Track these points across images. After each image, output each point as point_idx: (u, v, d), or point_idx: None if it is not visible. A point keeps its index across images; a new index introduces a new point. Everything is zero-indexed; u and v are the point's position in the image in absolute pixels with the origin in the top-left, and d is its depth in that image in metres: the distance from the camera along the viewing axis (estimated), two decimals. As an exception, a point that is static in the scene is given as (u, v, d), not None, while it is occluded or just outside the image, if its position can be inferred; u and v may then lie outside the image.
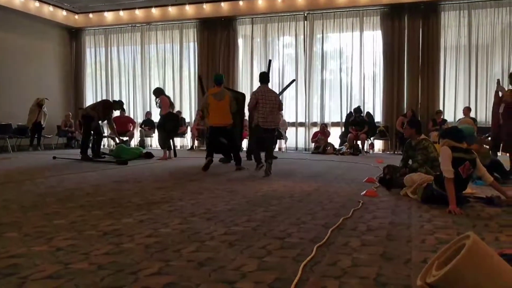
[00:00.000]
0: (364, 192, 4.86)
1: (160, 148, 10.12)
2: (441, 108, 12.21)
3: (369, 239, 2.88)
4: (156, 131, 11.34)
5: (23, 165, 8.45)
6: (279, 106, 7.21)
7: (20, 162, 9.27)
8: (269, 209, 3.90)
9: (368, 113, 12.40)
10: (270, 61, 10.03)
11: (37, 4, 13.60)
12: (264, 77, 7.21)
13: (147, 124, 13.99)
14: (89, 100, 15.32)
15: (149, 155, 10.04)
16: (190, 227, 3.20)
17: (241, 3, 13.41)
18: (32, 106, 12.81)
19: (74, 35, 15.78)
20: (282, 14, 13.55)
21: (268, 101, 6.95)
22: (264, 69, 13.60)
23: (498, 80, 7.24)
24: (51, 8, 14.17)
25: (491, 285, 1.24)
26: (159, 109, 9.80)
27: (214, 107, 7.46)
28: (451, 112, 12.34)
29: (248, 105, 7.14)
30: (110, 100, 11.71)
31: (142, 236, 2.92)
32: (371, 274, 2.18)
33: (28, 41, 13.88)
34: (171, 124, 9.71)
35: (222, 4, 13.59)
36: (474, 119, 11.28)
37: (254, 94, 7.02)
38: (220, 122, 7.51)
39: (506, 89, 6.90)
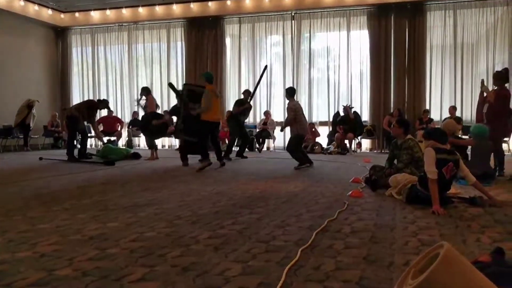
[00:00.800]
0: (350, 192, 4.90)
1: (147, 148, 10.07)
2: (427, 107, 12.33)
3: (353, 242, 2.91)
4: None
5: (8, 167, 8.37)
6: None
7: (6, 163, 9.17)
8: (254, 211, 3.92)
9: (355, 112, 12.47)
10: (266, 67, 10.22)
11: (22, 3, 13.44)
12: (293, 92, 8.25)
13: (135, 124, 13.92)
14: (76, 99, 15.19)
15: (136, 156, 10.01)
16: (175, 230, 3.21)
17: (228, 2, 13.40)
18: (21, 106, 12.65)
19: (60, 34, 15.63)
20: (270, 14, 13.56)
21: (301, 112, 8.02)
22: (251, 69, 13.70)
23: (482, 80, 7.33)
24: (36, 7, 14.01)
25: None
26: (141, 109, 9.80)
27: (214, 103, 7.85)
28: (437, 111, 12.46)
29: (289, 119, 7.93)
30: (95, 99, 11.60)
31: (127, 241, 2.92)
32: (354, 278, 2.21)
33: (13, 40, 13.72)
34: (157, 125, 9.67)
35: (210, 3, 13.56)
36: (460, 118, 11.42)
37: (292, 108, 7.85)
38: (219, 118, 8.17)
39: (490, 89, 6.99)
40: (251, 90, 10.74)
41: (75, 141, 10.06)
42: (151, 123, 9.50)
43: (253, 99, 13.61)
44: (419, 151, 5.42)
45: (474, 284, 1.28)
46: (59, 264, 2.42)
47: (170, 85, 9.48)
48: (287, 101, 8.19)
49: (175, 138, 8.79)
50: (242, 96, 10.67)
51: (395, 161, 5.65)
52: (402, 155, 5.42)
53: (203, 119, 7.74)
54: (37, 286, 2.09)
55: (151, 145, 9.78)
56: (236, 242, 2.90)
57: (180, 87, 14.29)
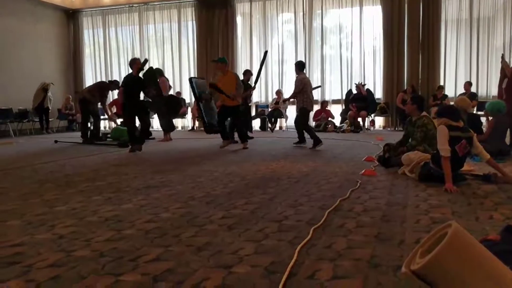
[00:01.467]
0: (363, 171, 4.90)
1: (162, 130, 10.12)
2: (441, 83, 12.16)
3: (364, 220, 2.93)
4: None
5: (24, 150, 8.51)
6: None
7: (21, 147, 9.33)
8: (267, 191, 3.95)
9: (368, 89, 12.35)
10: (266, 52, 9.97)
11: (33, -15, 13.46)
12: (303, 66, 8.18)
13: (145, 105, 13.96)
14: (89, 81, 15.29)
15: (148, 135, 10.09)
16: (189, 211, 3.26)
17: (238, -20, 13.24)
18: (37, 90, 12.95)
19: (71, 16, 15.64)
20: (281, -9, 13.38)
21: (310, 87, 7.99)
22: (263, 47, 13.57)
23: (503, 55, 7.17)
24: (47, -10, 14.02)
25: (473, 273, 1.28)
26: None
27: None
28: (451, 87, 12.29)
29: (295, 90, 7.92)
30: (106, 81, 11.67)
31: (142, 222, 2.97)
32: (365, 256, 2.23)
33: (25, 24, 13.77)
34: (171, 106, 9.71)
35: (220, -19, 13.43)
36: (475, 94, 11.26)
37: (302, 81, 7.85)
38: (235, 103, 7.95)
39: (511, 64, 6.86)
40: (252, 71, 10.53)
41: (88, 124, 10.16)
42: (166, 107, 9.57)
43: (263, 78, 13.63)
44: (433, 129, 5.36)
45: (482, 263, 1.29)
46: (76, 245, 2.49)
47: (190, 81, 9.23)
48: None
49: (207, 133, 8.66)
50: (242, 78, 10.08)
51: (410, 139, 5.61)
52: (416, 132, 5.37)
53: (225, 104, 7.78)
54: (56, 267, 2.15)
55: (169, 128, 9.82)
56: (249, 222, 2.93)
57: (189, 72, 14.33)
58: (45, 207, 3.46)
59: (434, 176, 4.20)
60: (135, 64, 7.72)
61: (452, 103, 10.81)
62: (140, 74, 7.82)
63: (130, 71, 7.73)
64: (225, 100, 7.78)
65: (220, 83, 7.75)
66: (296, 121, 8.13)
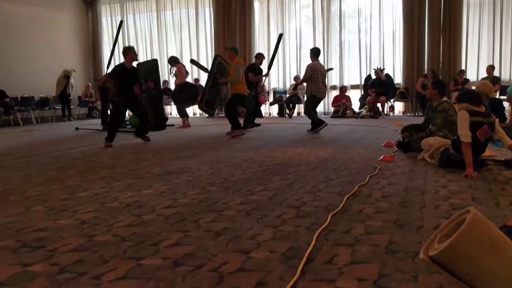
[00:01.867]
0: (381, 157, 4.87)
1: (179, 116, 10.18)
2: (463, 67, 11.91)
3: (383, 206, 2.92)
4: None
5: (46, 137, 8.67)
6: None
7: (43, 134, 9.50)
8: (285, 177, 3.96)
9: (387, 74, 12.18)
10: (281, 35, 9.85)
11: (51, -26, 13.56)
12: (318, 52, 8.08)
13: (165, 93, 14.04)
14: (108, 69, 15.39)
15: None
16: (208, 196, 3.29)
17: (256, -35, 13.12)
18: (59, 77, 13.19)
19: (89, 4, 15.74)
20: (298, -25, 13.21)
21: (321, 74, 7.87)
22: (280, 31, 13.47)
23: None
24: (65, -22, 14.12)
25: (492, 259, 1.27)
26: (174, 78, 9.82)
27: (243, 77, 7.92)
28: (473, 71, 12.03)
29: (304, 77, 8.02)
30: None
31: (162, 207, 3.02)
32: (383, 242, 2.23)
33: (44, 12, 13.91)
34: (188, 94, 9.73)
35: (237, -34, 13.32)
36: (498, 78, 11.02)
37: (312, 68, 7.78)
38: (247, 91, 8.07)
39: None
40: (265, 54, 10.43)
41: (108, 111, 10.27)
42: (184, 94, 9.58)
43: (281, 63, 13.55)
44: (454, 114, 5.27)
45: (501, 249, 1.28)
46: (98, 230, 2.54)
47: (193, 61, 9.42)
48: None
49: (199, 108, 8.81)
50: (254, 61, 10.02)
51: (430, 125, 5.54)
52: (437, 118, 5.29)
53: (234, 93, 7.82)
54: (79, 251, 2.21)
55: (183, 114, 9.88)
56: (267, 207, 2.95)
57: (207, 58, 14.34)
58: (67, 193, 3.53)
59: (454, 161, 4.15)
60: (130, 53, 7.07)
61: (474, 87, 10.65)
62: (134, 64, 7.35)
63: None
64: (239, 89, 7.80)
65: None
66: (305, 110, 8.20)
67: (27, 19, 13.30)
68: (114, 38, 8.60)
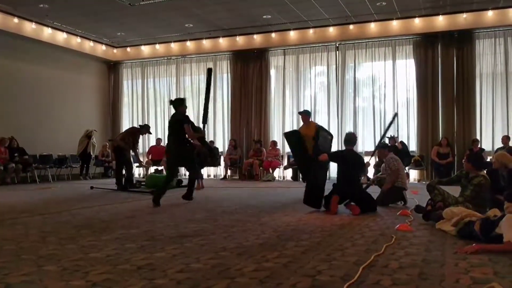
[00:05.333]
0: (398, 226, 4.78)
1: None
2: (477, 137, 11.93)
3: (401, 278, 2.84)
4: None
5: (61, 195, 8.74)
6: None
7: (59, 192, 9.59)
8: (299, 244, 3.90)
9: (402, 142, 12.21)
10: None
11: (78, 40, 14.26)
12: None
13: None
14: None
15: (180, 183, 10.25)
16: (220, 262, 3.24)
17: (273, 35, 13.66)
18: (81, 137, 13.64)
19: (112, 68, 16.40)
20: (314, 45, 13.70)
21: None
22: (295, 99, 13.76)
23: None
24: (91, 44, 14.82)
25: None
26: None
27: None
28: (489, 141, 12.02)
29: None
30: (136, 126, 11.88)
31: (174, 272, 2.97)
32: (402, 316, 2.15)
33: (69, 74, 14.50)
34: (203, 155, 9.84)
35: (255, 36, 13.88)
36: (514, 148, 10.95)
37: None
38: None
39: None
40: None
41: (122, 171, 10.37)
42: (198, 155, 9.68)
43: (294, 127, 13.71)
44: (488, 191, 5.19)
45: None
46: (109, 293, 2.50)
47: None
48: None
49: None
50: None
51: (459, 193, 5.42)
52: (468, 189, 5.19)
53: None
54: (89, 315, 2.16)
55: (198, 175, 9.93)
56: (281, 275, 2.89)
57: (223, 123, 14.61)
58: (81, 253, 3.51)
59: (475, 237, 4.02)
60: (184, 105, 7.29)
61: (490, 157, 10.58)
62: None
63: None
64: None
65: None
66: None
67: (52, 79, 13.86)
68: (206, 87, 7.80)
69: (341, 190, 6.11)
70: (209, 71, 8.03)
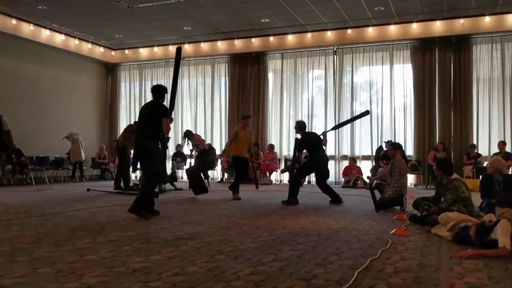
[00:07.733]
0: (394, 230, 4.79)
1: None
2: (474, 142, 11.97)
3: (396, 282, 2.84)
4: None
5: (57, 197, 8.71)
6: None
7: (55, 194, 9.55)
8: (295, 248, 3.90)
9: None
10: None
11: (76, 41, 14.26)
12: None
13: (178, 156, 14.23)
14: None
15: (173, 178, 10.68)
16: (216, 265, 3.24)
17: (271, 39, 13.68)
18: (73, 145, 13.55)
19: (110, 70, 16.39)
20: (312, 49, 13.74)
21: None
22: (293, 102, 13.81)
23: None
24: (89, 45, 14.82)
25: None
26: (194, 149, 10.00)
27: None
28: (485, 146, 12.06)
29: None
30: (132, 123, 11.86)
31: (169, 274, 2.97)
32: (397, 321, 2.16)
33: (67, 75, 14.49)
34: (211, 157, 10.00)
35: (253, 40, 13.90)
36: (510, 154, 11.00)
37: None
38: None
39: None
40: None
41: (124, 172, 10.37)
42: (206, 157, 9.83)
43: (291, 131, 13.73)
44: (466, 191, 5.34)
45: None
46: (104, 296, 2.50)
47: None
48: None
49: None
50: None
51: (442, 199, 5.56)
52: (447, 194, 5.39)
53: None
54: (84, 318, 2.16)
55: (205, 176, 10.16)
56: (277, 279, 2.89)
57: (221, 125, 14.69)
58: (76, 256, 3.50)
59: (470, 242, 4.03)
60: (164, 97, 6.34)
61: (486, 162, 10.61)
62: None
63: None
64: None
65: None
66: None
67: (51, 81, 13.84)
68: (174, 68, 6.62)
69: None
70: (178, 50, 6.74)
